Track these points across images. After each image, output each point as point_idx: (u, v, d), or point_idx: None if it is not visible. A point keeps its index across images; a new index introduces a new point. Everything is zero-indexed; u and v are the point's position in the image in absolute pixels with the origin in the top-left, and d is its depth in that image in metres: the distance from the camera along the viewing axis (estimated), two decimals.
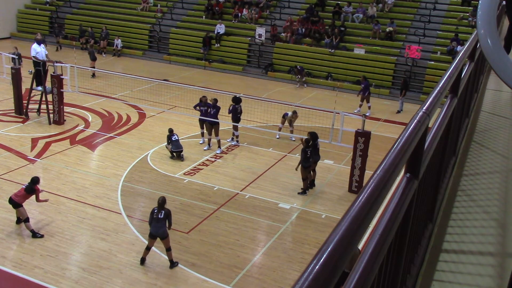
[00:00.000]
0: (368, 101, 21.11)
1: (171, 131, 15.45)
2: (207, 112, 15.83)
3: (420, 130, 2.22)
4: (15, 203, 10.83)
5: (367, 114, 19.39)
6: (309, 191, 13.67)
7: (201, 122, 16.25)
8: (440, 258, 3.04)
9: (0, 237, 10.79)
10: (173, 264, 10.10)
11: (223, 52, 28.39)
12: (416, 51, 24.30)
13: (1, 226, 11.19)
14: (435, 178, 3.39)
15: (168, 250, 10.07)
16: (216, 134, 15.92)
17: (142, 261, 10.11)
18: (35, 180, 11.10)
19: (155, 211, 9.98)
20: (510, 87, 3.33)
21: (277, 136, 17.41)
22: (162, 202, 10.09)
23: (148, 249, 10.10)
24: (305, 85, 25.59)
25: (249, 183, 14.00)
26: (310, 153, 13.49)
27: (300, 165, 13.61)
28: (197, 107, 16.18)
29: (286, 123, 17.16)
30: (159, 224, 9.90)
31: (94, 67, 23.75)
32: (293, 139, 17.11)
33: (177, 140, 15.30)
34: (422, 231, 3.14)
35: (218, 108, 15.85)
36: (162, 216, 9.90)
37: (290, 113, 17.06)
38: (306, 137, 13.82)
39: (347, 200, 13.32)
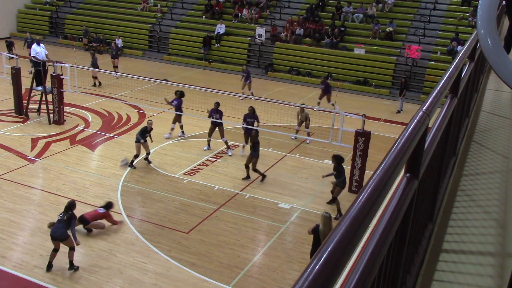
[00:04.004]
0: (329, 100, 20.77)
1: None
2: (212, 117, 15.77)
3: (420, 130, 2.22)
4: (86, 220, 10.96)
5: (337, 109, 18.96)
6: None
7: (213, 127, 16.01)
8: (440, 258, 3.04)
9: (0, 237, 10.79)
10: (72, 266, 9.76)
11: (223, 52, 28.40)
12: (416, 51, 24.30)
13: (1, 226, 11.19)
14: (435, 178, 3.39)
15: (70, 249, 9.77)
16: (222, 136, 15.89)
17: (49, 266, 9.75)
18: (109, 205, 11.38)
19: (61, 213, 9.84)
20: (510, 87, 3.33)
21: (293, 137, 17.31)
22: (68, 205, 9.87)
23: (54, 250, 9.79)
24: (252, 97, 21.19)
25: (249, 183, 14.00)
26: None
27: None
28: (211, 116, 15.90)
29: (303, 125, 17.10)
30: (59, 225, 9.68)
31: (96, 77, 22.79)
32: (308, 141, 17.10)
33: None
34: (422, 231, 3.14)
35: (220, 113, 15.77)
36: (62, 218, 9.68)
37: (298, 111, 17.08)
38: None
39: (347, 200, 13.31)
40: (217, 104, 15.83)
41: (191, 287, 9.57)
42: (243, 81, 22.32)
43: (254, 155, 13.92)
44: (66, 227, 9.67)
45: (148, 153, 14.76)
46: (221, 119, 15.78)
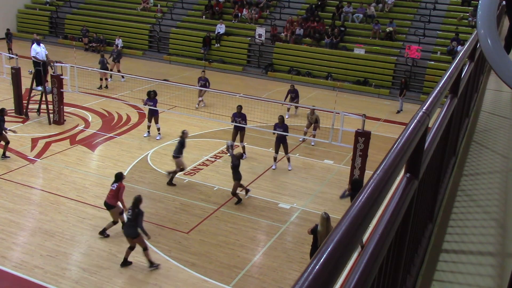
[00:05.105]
0: (296, 108, 20.26)
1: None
2: (235, 121, 15.44)
3: (420, 130, 2.22)
4: (109, 205, 10.92)
5: (286, 117, 18.42)
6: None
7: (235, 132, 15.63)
8: (440, 258, 3.04)
9: (0, 237, 10.79)
10: (151, 265, 9.95)
11: (223, 52, 28.40)
12: (416, 51, 24.30)
13: (1, 226, 11.19)
14: (435, 178, 3.39)
15: (144, 250, 9.91)
16: (241, 140, 15.70)
17: (125, 262, 9.97)
18: (119, 176, 11.04)
19: (129, 210, 9.88)
20: (510, 87, 3.33)
21: (301, 139, 17.20)
22: (134, 201, 9.84)
23: (130, 248, 9.96)
24: (203, 104, 20.60)
25: (249, 183, 13.99)
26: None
27: None
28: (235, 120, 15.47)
29: (311, 127, 17.01)
30: (128, 223, 9.89)
31: (106, 79, 22.51)
32: (313, 143, 17.04)
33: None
34: (422, 231, 3.14)
35: (243, 116, 15.45)
36: (130, 215, 9.78)
37: (308, 112, 17.01)
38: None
39: (347, 200, 13.31)
40: (240, 107, 15.42)
41: (191, 287, 9.57)
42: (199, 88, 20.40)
43: (235, 179, 12.84)
44: (134, 224, 9.74)
45: (182, 169, 13.89)
46: (245, 122, 15.39)
